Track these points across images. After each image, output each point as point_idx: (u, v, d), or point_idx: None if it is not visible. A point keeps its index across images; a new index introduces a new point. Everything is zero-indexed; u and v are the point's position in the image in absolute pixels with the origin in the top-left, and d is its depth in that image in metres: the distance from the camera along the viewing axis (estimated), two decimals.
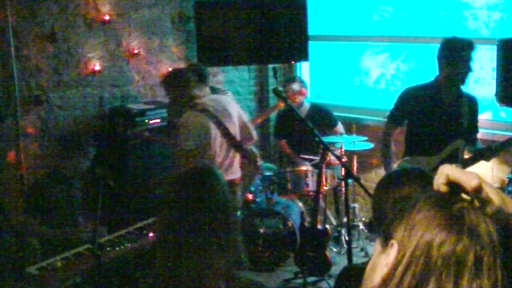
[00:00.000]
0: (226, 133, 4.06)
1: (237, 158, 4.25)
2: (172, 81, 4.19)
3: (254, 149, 4.53)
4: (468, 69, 3.83)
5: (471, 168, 3.98)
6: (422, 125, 3.99)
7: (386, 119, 4.25)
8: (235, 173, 4.27)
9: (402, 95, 4.11)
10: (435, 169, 1.11)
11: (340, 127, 5.39)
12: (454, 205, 1.04)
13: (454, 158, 3.82)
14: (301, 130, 5.26)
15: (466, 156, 3.99)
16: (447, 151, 3.84)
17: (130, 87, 5.36)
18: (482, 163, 4.73)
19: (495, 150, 3.92)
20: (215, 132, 4.04)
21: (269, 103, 6.32)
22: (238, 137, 4.22)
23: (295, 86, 5.28)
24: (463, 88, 3.99)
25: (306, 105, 5.42)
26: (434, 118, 3.92)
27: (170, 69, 5.58)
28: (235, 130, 4.20)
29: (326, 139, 4.32)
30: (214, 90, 4.86)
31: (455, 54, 3.81)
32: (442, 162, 3.81)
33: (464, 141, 3.87)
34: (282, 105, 4.49)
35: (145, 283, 3.87)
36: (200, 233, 1.69)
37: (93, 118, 5.11)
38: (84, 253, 3.43)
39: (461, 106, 3.89)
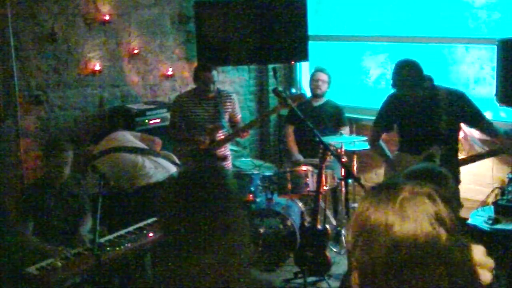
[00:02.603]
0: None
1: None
2: None
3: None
4: (395, 85, 3.89)
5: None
6: (401, 127, 4.11)
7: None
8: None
9: (384, 101, 4.20)
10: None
11: (346, 130, 5.44)
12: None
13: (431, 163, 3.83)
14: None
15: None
16: (422, 156, 3.86)
17: (130, 87, 5.36)
18: (482, 163, 4.75)
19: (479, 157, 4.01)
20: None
21: (269, 103, 6.31)
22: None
23: (323, 77, 5.49)
24: (441, 85, 3.96)
25: (324, 98, 5.57)
26: (408, 119, 4.00)
27: (170, 69, 5.59)
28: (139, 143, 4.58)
29: (326, 139, 4.33)
30: (218, 92, 4.87)
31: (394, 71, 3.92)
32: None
33: (439, 147, 3.85)
34: (281, 108, 4.51)
35: (145, 283, 3.88)
36: (200, 233, 1.69)
37: (93, 118, 5.11)
38: (84, 253, 3.43)
39: (434, 104, 3.87)
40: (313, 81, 5.53)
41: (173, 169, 4.46)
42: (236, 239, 1.73)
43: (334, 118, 5.46)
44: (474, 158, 4.11)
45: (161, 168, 4.39)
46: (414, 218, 1.04)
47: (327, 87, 5.52)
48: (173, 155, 4.68)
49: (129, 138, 4.51)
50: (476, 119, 3.92)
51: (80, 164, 4.47)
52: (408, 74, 3.80)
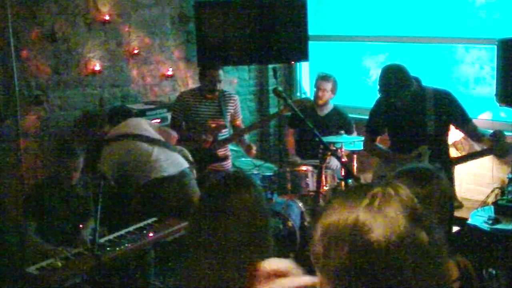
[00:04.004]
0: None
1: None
2: None
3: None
4: (381, 91, 3.95)
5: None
6: (390, 130, 4.16)
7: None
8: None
9: (373, 106, 4.25)
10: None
11: (354, 135, 5.43)
12: None
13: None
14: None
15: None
16: (411, 156, 3.89)
17: (130, 87, 5.36)
18: (482, 163, 4.74)
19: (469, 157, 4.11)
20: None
21: (269, 103, 6.31)
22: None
23: (326, 85, 5.39)
24: (428, 85, 3.99)
25: (330, 105, 5.50)
26: (397, 122, 4.04)
27: (171, 69, 5.59)
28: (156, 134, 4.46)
29: (326, 139, 4.33)
30: (221, 92, 4.87)
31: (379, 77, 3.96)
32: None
33: (427, 147, 3.87)
34: (284, 111, 4.51)
35: (145, 283, 3.87)
36: (216, 242, 1.68)
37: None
38: (84, 253, 3.42)
39: (422, 105, 3.88)
40: (315, 88, 5.46)
41: (185, 165, 4.38)
42: (262, 248, 1.72)
43: (341, 127, 5.33)
44: (467, 156, 4.14)
45: (174, 162, 4.31)
46: (387, 216, 0.95)
47: (332, 95, 5.40)
48: (187, 152, 4.60)
49: (147, 127, 4.43)
50: (463, 120, 3.94)
51: (92, 145, 4.43)
52: (392, 79, 3.84)
